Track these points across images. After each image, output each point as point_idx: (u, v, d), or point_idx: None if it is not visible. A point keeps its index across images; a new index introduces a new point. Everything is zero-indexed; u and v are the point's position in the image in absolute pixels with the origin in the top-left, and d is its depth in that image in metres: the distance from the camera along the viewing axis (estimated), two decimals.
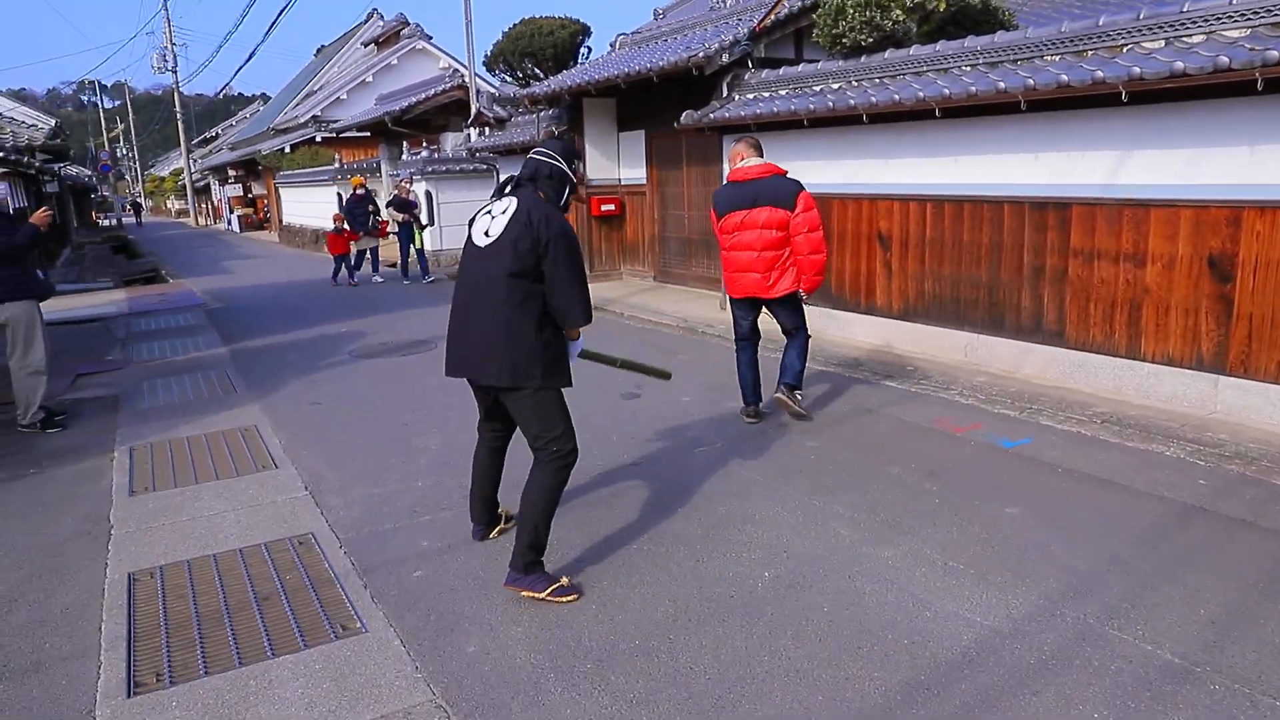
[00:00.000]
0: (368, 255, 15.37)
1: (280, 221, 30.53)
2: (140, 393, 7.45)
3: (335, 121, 26.73)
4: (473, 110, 15.54)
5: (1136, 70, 5.53)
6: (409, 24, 30.08)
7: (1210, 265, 5.63)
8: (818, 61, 8.83)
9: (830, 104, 7.71)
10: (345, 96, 29.59)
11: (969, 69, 7.05)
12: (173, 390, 7.49)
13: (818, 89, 8.43)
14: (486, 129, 15.30)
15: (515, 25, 14.80)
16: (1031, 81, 6.13)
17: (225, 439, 5.98)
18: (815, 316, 8.77)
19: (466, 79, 16.62)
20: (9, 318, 6.29)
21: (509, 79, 15.59)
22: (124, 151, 74.26)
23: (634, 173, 13.05)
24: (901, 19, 7.77)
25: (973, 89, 6.52)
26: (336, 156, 24.42)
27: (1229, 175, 5.48)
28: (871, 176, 8.04)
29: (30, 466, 5.60)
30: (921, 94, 6.92)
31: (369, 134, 23.68)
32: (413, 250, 14.76)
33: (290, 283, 16.01)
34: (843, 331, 8.56)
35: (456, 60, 24.19)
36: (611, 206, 13.27)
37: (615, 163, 13.32)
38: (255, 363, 8.51)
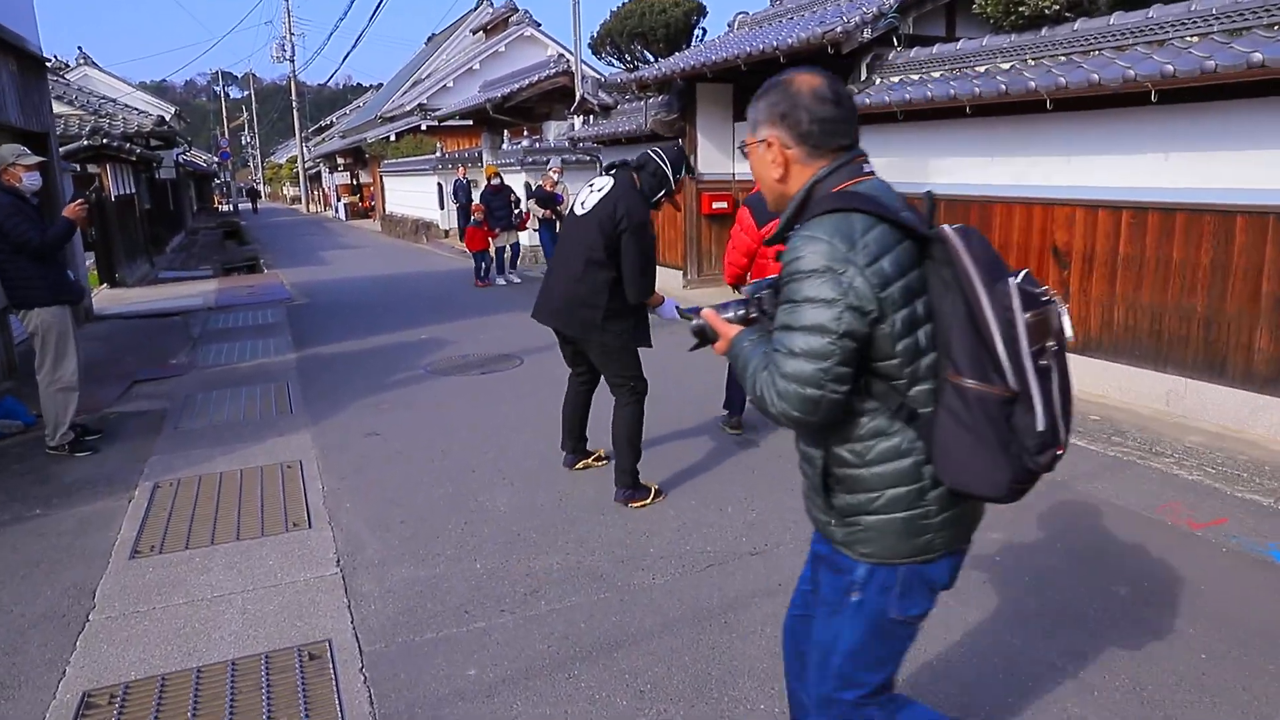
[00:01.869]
0: (507, 252, 13.92)
1: (384, 210, 30.37)
2: (191, 407, 6.62)
3: (439, 109, 26.21)
4: (577, 96, 14.52)
5: None
6: (517, 9, 29.38)
7: None
8: (978, 39, 7.36)
9: (1002, 86, 6.27)
10: (452, 84, 29.10)
11: (1195, 39, 5.51)
12: (224, 406, 6.63)
13: (981, 69, 6.97)
14: (590, 117, 14.25)
15: (625, 3, 13.64)
16: None
17: (263, 476, 5.03)
18: None
19: (572, 64, 15.61)
20: (39, 325, 5.50)
21: (616, 63, 14.50)
22: (247, 139, 76.88)
23: (745, 166, 11.73)
24: None
25: (1209, 63, 5.01)
26: (438, 145, 23.86)
27: None
28: (1047, 177, 6.55)
29: (38, 505, 4.76)
30: (1131, 72, 5.43)
31: (471, 122, 22.99)
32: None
33: (382, 277, 15.32)
34: None
35: (565, 47, 23.28)
36: (724, 204, 12.00)
37: (730, 156, 12.03)
38: (321, 374, 7.61)
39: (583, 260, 4.23)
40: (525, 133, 19.76)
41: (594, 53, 14.77)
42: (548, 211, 12.78)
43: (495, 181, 13.35)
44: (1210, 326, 5.65)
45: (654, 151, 4.34)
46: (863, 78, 8.25)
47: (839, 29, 7.66)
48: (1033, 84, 6.05)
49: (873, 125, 8.07)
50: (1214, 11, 5.44)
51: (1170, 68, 5.21)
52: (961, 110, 6.81)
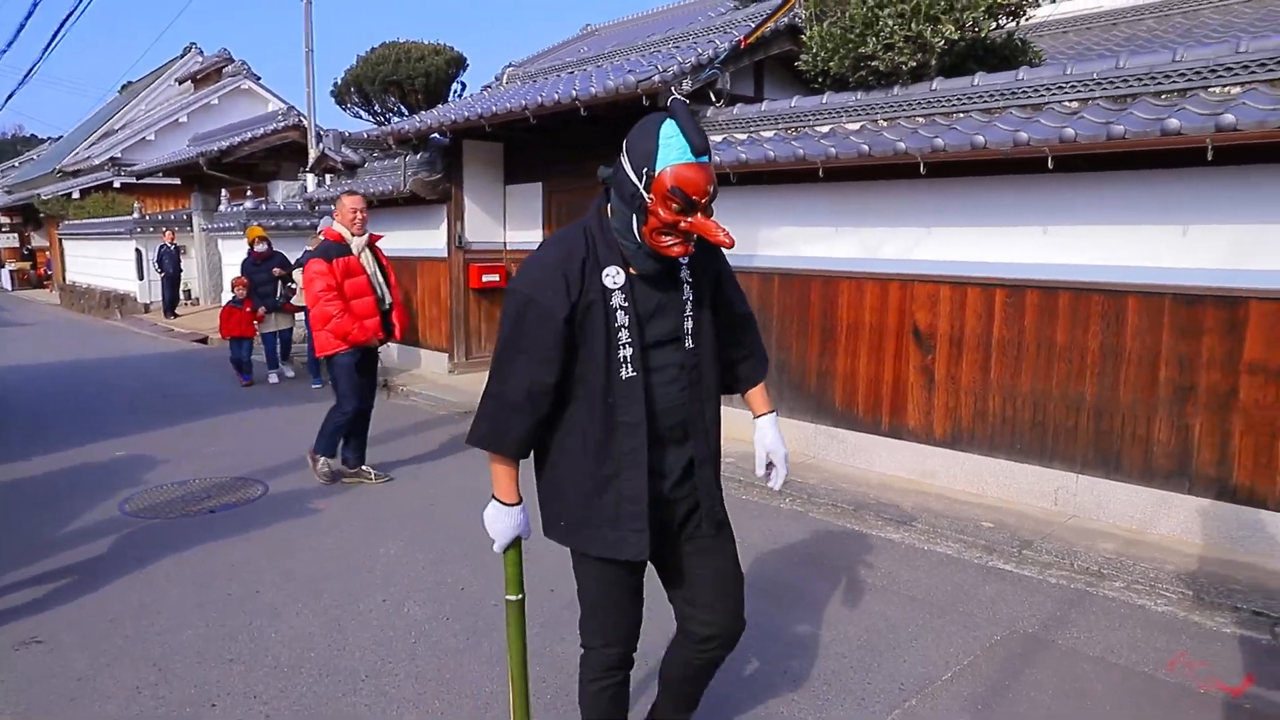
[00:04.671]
0: (278, 341, 10.53)
1: (63, 279, 25.71)
2: None
3: (136, 164, 22.58)
4: (312, 152, 12.54)
5: None
6: (233, 60, 26.38)
7: None
8: (786, 99, 6.63)
9: (864, 148, 5.47)
10: (153, 137, 25.37)
11: (1075, 104, 4.99)
12: None
13: (824, 129, 6.20)
14: (331, 176, 12.32)
15: (376, 49, 11.95)
16: (1231, 118, 4.08)
17: None
18: (814, 437, 6.43)
19: (306, 117, 13.59)
20: None
21: (364, 115, 12.72)
22: None
23: (526, 235, 10.45)
24: (951, 36, 5.66)
25: (1117, 128, 4.42)
26: (137, 205, 20.39)
27: None
28: (906, 250, 5.82)
29: None
30: (1023, 135, 4.77)
31: (179, 180, 19.88)
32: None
33: (62, 365, 12.19)
34: (856, 460, 6.23)
35: (289, 104, 20.87)
36: (495, 277, 10.58)
37: (501, 224, 10.69)
38: None
39: None
40: (248, 193, 17.19)
41: (338, 103, 12.86)
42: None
43: (260, 247, 10.33)
44: (1102, 417, 5.06)
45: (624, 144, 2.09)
46: None
47: (655, 79, 6.63)
48: (901, 145, 5.29)
49: None
50: (1095, 77, 4.94)
51: (1071, 132, 4.58)
52: (806, 174, 5.96)
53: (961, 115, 5.54)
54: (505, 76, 11.00)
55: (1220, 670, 3.39)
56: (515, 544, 2.26)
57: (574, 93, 7.28)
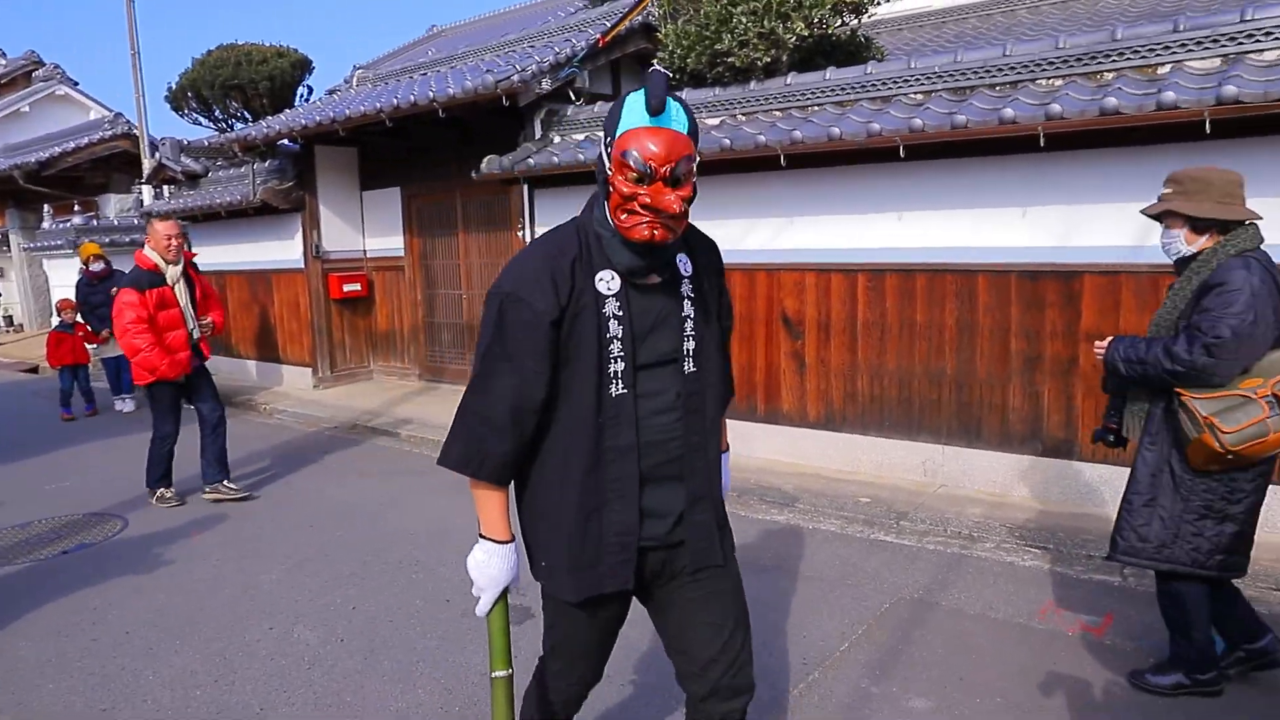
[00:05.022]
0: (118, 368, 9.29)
1: None
2: None
3: None
4: (146, 162, 11.74)
5: (1232, 90, 3.97)
6: (43, 63, 24.30)
7: None
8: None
9: (726, 142, 5.61)
10: None
11: (920, 97, 5.28)
12: None
13: None
14: (169, 187, 11.59)
15: (213, 51, 11.27)
16: (1058, 108, 4.42)
17: None
18: None
19: (136, 125, 12.72)
20: None
21: (204, 120, 11.99)
22: None
23: (386, 242, 10.18)
24: (801, 33, 5.88)
25: (960, 119, 4.71)
26: None
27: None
28: (769, 240, 6.02)
29: None
30: (876, 126, 5.02)
31: None
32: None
33: None
34: (736, 447, 6.37)
35: (116, 111, 19.45)
36: (357, 286, 10.25)
37: (359, 231, 10.36)
38: None
39: None
40: (75, 208, 15.94)
41: (174, 109, 12.02)
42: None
43: (97, 266, 9.22)
44: (961, 390, 5.39)
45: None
46: (538, 134, 7.26)
47: (515, 78, 6.58)
48: (762, 139, 5.46)
49: (557, 187, 7.09)
50: (936, 70, 5.25)
51: (919, 122, 4.85)
52: None
53: (816, 108, 5.77)
54: (355, 79, 10.67)
55: (1083, 614, 3.69)
56: (502, 598, 1.88)
57: (431, 94, 7.14)
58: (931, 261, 5.38)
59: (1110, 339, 3.03)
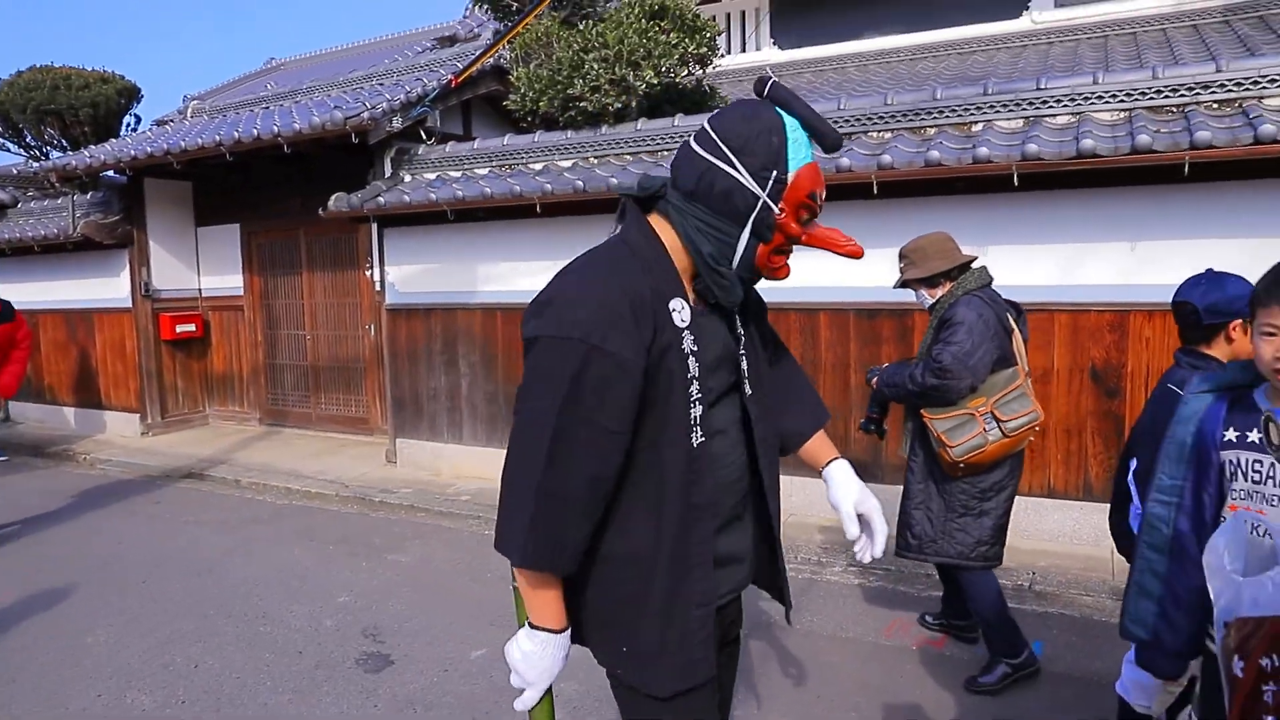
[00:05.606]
0: None
1: None
2: None
3: None
4: None
5: (1033, 148, 4.44)
6: None
7: None
8: (498, 137, 6.83)
9: (579, 184, 5.72)
10: None
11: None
12: None
13: (538, 166, 6.41)
14: None
15: (24, 72, 10.38)
16: (889, 158, 4.78)
17: None
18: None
19: None
20: None
21: (13, 147, 11.02)
22: None
23: (223, 281, 9.70)
24: (651, 81, 6.11)
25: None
26: None
27: None
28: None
29: None
30: None
31: None
32: None
33: None
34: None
35: None
36: (191, 327, 9.70)
37: (194, 269, 9.83)
38: None
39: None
40: None
41: None
42: None
43: None
44: None
45: (697, 143, 1.55)
46: (388, 173, 7.16)
47: (365, 115, 6.49)
48: (614, 181, 5.62)
49: (409, 226, 7.00)
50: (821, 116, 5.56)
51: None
52: (524, 210, 6.13)
53: (665, 153, 5.99)
54: (189, 110, 10.18)
55: (926, 630, 3.93)
56: (548, 690, 1.59)
57: (275, 129, 6.93)
58: (774, 300, 5.62)
59: (881, 366, 3.59)
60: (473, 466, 6.95)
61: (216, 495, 6.98)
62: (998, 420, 3.18)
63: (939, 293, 3.40)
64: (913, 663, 3.63)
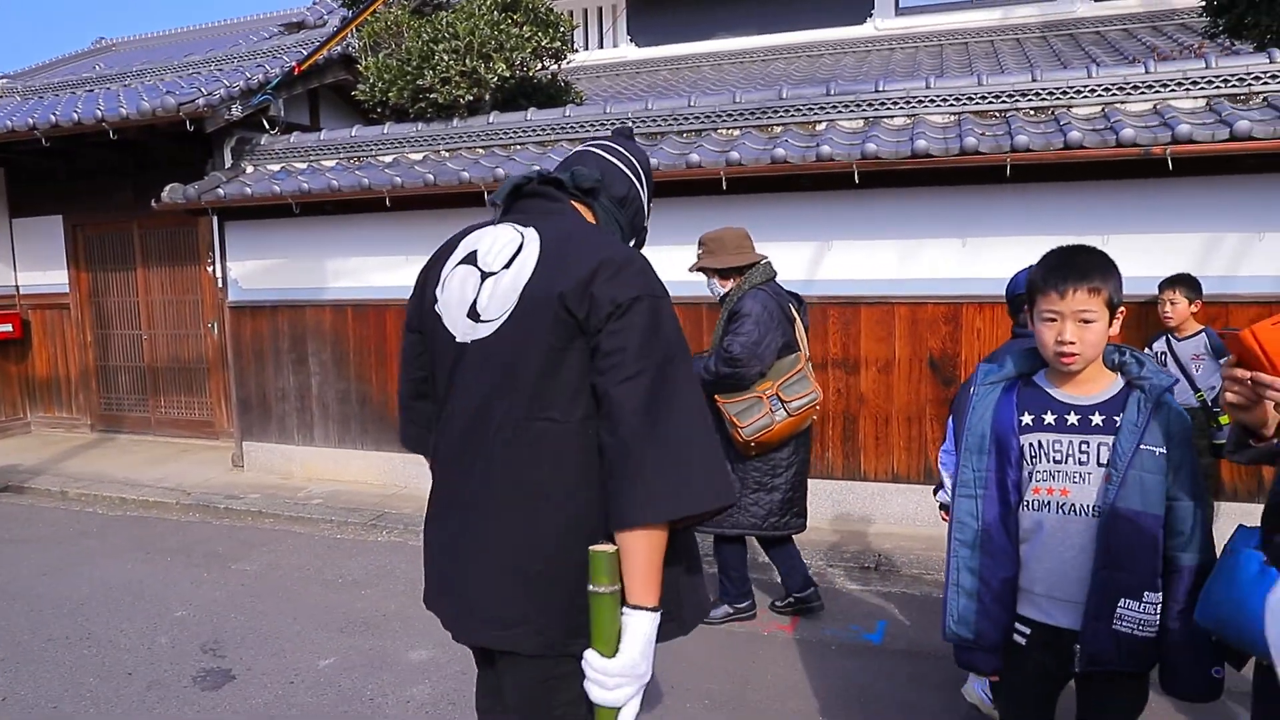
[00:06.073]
0: None
1: None
2: None
3: None
4: None
5: (872, 147, 4.64)
6: None
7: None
8: (345, 128, 6.60)
9: (429, 177, 5.59)
10: None
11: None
12: None
13: (387, 159, 6.23)
14: None
15: None
16: (737, 155, 4.89)
17: None
18: (402, 466, 6.41)
19: None
20: None
21: None
22: None
23: (45, 277, 8.97)
24: (503, 74, 6.03)
25: (652, 162, 5.07)
26: None
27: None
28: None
29: None
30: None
31: None
32: None
33: None
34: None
35: None
36: (8, 327, 8.92)
37: (9, 263, 9.05)
38: None
39: (511, 451, 1.52)
40: None
41: None
42: None
43: None
44: None
45: (605, 148, 1.80)
46: (228, 163, 6.79)
47: (200, 101, 6.13)
48: (465, 175, 5.51)
49: (252, 219, 6.66)
50: (630, 116, 5.62)
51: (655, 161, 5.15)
52: (373, 203, 5.93)
53: (519, 147, 5.94)
54: (0, 90, 9.34)
55: (775, 615, 4.06)
56: None
57: (99, 113, 6.45)
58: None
59: None
60: (326, 468, 6.70)
61: (39, 509, 6.45)
62: (782, 401, 3.51)
63: (730, 285, 3.68)
64: (766, 647, 3.74)
